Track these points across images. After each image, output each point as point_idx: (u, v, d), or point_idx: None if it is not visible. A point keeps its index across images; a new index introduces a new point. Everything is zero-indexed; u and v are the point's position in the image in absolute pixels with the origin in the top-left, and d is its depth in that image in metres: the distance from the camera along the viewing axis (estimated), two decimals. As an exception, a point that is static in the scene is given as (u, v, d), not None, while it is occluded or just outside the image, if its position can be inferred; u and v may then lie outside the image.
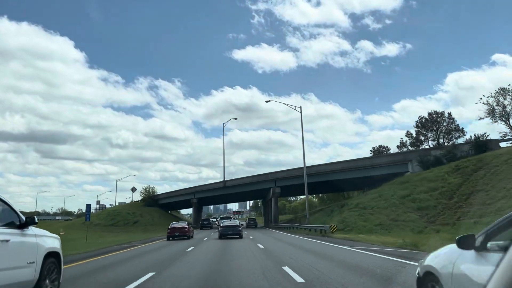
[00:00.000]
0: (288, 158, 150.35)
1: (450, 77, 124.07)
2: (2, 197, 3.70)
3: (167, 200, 53.12)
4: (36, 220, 3.99)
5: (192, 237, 20.47)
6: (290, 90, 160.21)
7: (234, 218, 31.86)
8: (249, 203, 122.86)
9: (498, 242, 2.12)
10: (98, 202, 65.16)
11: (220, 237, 18.96)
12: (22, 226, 3.81)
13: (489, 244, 2.22)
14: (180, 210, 79.51)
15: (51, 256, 4.19)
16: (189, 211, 68.58)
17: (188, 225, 20.58)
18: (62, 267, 4.46)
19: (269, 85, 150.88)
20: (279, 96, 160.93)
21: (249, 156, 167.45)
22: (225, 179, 43.47)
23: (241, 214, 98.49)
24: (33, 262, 3.82)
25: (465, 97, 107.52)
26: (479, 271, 2.07)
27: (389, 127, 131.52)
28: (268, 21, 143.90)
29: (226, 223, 20.58)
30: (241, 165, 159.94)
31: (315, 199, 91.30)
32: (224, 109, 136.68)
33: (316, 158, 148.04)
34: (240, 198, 60.54)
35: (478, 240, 2.26)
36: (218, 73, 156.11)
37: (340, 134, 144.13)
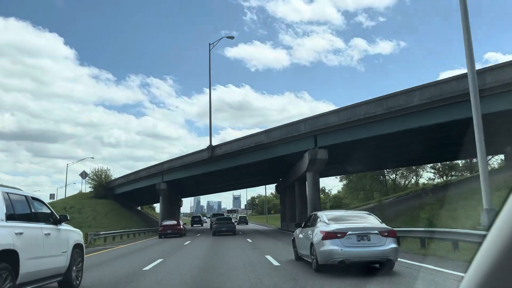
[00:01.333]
0: None
1: (442, 76, 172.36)
2: (41, 199, 8.29)
3: (126, 188, 56.11)
4: (68, 217, 8.67)
5: (184, 235, 34.58)
6: (284, 88, 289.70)
7: (227, 215, 43.41)
8: (246, 197, 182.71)
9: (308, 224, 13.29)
10: (52, 195, 74.46)
11: (214, 234, 31.54)
12: (57, 222, 8.42)
13: (308, 224, 13.47)
14: (156, 205, 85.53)
15: (77, 247, 8.96)
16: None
17: (180, 222, 35.87)
18: (84, 256, 9.39)
19: (262, 83, 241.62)
20: (272, 94, 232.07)
21: None
22: (214, 145, 41.05)
23: (236, 213, 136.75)
24: (66, 252, 8.52)
25: None
26: (301, 234, 13.61)
27: None
28: (261, 18, 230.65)
29: (220, 220, 35.06)
30: None
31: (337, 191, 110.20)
32: (217, 107, 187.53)
33: None
34: (238, 180, 55.09)
35: (303, 223, 14.30)
36: (212, 71, 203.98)
37: None
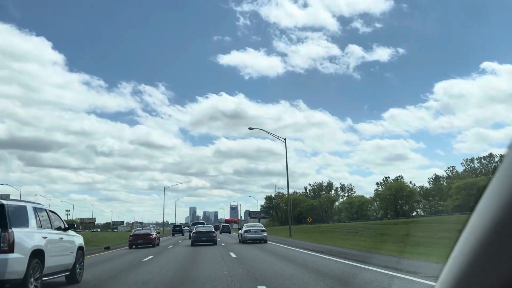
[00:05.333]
0: (277, 167, 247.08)
1: (439, 85, 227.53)
2: (54, 211, 11.92)
3: None
4: (75, 225, 12.20)
5: (158, 245, 35.54)
6: (278, 97, 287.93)
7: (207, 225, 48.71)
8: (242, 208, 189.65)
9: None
10: None
11: (193, 244, 34.01)
12: (66, 229, 12.11)
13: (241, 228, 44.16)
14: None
15: (80, 249, 12.64)
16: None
17: (153, 231, 36.34)
18: (84, 256, 13.03)
19: (256, 92, 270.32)
20: (267, 103, 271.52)
21: (238, 165, 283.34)
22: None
23: (236, 224, 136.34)
24: (72, 252, 12.23)
25: (455, 106, 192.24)
26: (239, 231, 41.06)
27: (379, 136, 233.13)
28: (254, 23, 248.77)
29: (200, 228, 36.62)
30: (231, 174, 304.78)
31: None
32: (211, 115, 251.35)
33: (306, 167, 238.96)
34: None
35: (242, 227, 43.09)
36: (203, 79, 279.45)
37: (329, 143, 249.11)
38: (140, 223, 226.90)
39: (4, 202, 9.51)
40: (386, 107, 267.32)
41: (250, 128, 56.38)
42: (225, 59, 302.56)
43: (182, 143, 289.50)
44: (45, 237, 10.43)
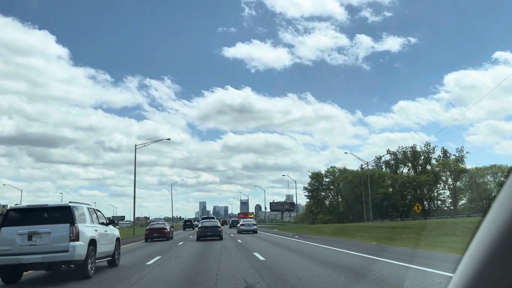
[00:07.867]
0: (286, 162, 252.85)
1: (450, 76, 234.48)
2: (98, 209, 16.13)
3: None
4: (115, 221, 16.38)
5: (171, 238, 39.14)
6: (286, 90, 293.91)
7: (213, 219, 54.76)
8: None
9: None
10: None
11: (198, 239, 34.96)
12: (107, 224, 16.35)
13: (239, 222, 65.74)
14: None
15: (118, 240, 16.99)
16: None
17: (167, 226, 39.76)
18: (120, 245, 17.48)
19: (263, 85, 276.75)
20: (274, 96, 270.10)
21: (246, 160, 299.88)
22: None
23: (252, 219, 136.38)
24: (113, 242, 16.53)
25: (467, 98, 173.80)
26: (238, 225, 62.29)
27: (389, 129, 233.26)
28: (260, 13, 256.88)
29: (205, 223, 37.73)
30: (240, 169, 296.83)
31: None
32: (218, 110, 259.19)
33: (315, 162, 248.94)
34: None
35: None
36: (209, 72, 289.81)
37: (339, 137, 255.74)
38: (146, 217, 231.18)
39: (70, 204, 13.50)
40: (396, 99, 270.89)
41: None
42: (230, 52, 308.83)
43: (190, 138, 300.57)
44: (96, 230, 14.44)
